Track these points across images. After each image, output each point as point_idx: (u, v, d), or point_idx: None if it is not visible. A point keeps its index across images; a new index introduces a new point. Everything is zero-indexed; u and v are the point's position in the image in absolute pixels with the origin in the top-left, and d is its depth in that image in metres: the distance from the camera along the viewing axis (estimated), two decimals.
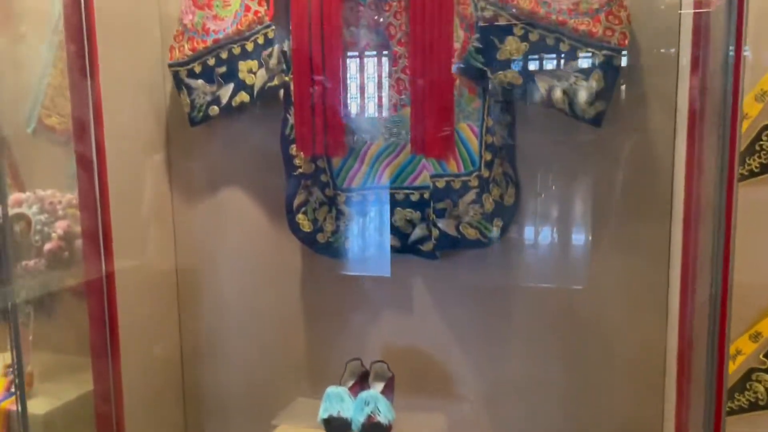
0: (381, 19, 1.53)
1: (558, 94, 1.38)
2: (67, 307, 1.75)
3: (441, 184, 1.49)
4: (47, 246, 1.65)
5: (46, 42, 1.77)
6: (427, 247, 1.56)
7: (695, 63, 1.23)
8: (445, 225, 1.49)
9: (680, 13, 1.36)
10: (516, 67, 1.41)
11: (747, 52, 1.12)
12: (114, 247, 1.59)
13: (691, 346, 1.26)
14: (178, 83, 1.64)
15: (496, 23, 1.40)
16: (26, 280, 1.61)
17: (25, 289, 1.63)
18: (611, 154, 1.45)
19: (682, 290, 1.28)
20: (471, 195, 1.47)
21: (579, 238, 1.51)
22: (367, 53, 1.55)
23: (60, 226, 1.67)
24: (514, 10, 1.39)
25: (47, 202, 1.69)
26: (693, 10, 1.27)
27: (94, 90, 1.45)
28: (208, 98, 1.63)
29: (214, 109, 1.63)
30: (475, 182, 1.47)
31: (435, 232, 1.50)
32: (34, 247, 1.67)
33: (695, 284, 1.24)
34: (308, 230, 1.63)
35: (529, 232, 1.54)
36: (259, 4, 1.56)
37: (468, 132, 1.47)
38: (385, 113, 1.56)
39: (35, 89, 1.78)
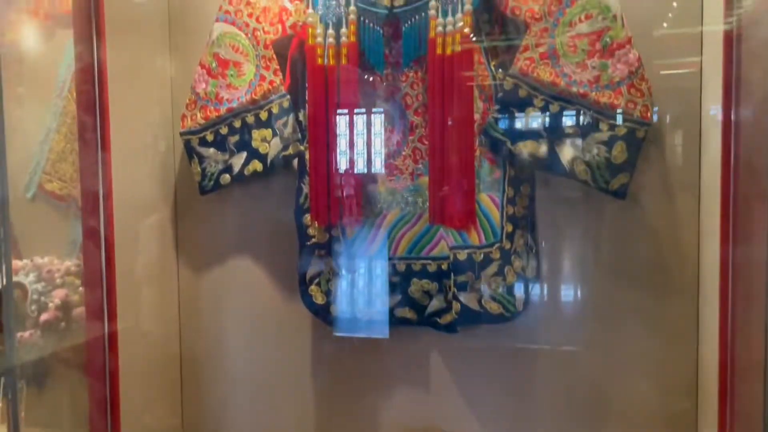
0: (397, 89, 1.52)
1: (581, 166, 1.36)
2: (62, 381, 1.67)
3: (462, 256, 1.45)
4: (43, 316, 1.58)
5: (51, 106, 1.74)
6: (444, 319, 1.50)
7: (726, 128, 1.22)
8: (466, 299, 1.44)
9: (701, 75, 1.36)
10: (537, 138, 1.39)
11: None
12: (118, 321, 1.52)
13: (734, 424, 1.20)
14: (190, 152, 1.61)
15: (516, 95, 1.40)
16: (20, 352, 1.54)
17: (19, 362, 1.55)
18: (635, 224, 1.43)
19: (721, 367, 1.23)
20: (493, 267, 1.43)
21: (602, 311, 1.47)
22: (383, 123, 1.54)
23: (57, 296, 1.61)
24: (533, 82, 1.38)
25: (45, 270, 1.64)
26: (721, 71, 1.26)
27: (105, 161, 1.41)
28: (220, 167, 1.60)
29: (226, 178, 1.60)
30: (497, 254, 1.43)
31: (456, 307, 1.45)
32: (29, 318, 1.61)
33: (735, 360, 1.20)
34: (321, 302, 1.58)
35: (550, 304, 1.49)
36: (275, 74, 1.55)
37: (489, 203, 1.44)
38: (401, 182, 1.54)
39: (37, 154, 1.75)
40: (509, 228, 1.44)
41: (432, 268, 1.51)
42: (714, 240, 1.26)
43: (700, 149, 1.38)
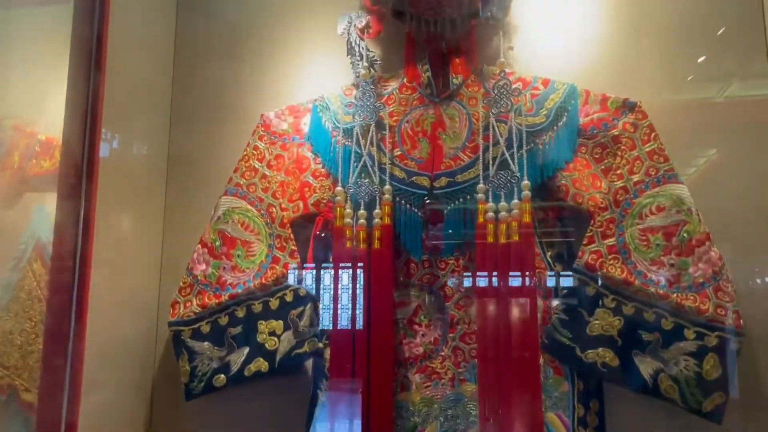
0: (436, 278, 1.31)
1: (667, 381, 1.14)
2: None
3: None
4: None
5: (3, 279, 1.48)
6: None
7: None
8: None
9: None
10: (611, 345, 1.18)
11: None
12: None
13: None
14: (179, 346, 1.32)
15: (583, 293, 1.21)
16: None
17: None
18: None
19: None
20: None
21: None
22: (419, 318, 1.30)
23: None
24: (603, 280, 1.20)
25: None
26: None
27: (74, 383, 1.08)
28: (214, 365, 1.31)
29: (220, 379, 1.30)
30: None
31: None
32: None
33: None
34: None
35: None
36: (291, 256, 1.33)
37: (558, 424, 1.19)
38: (439, 390, 1.27)
39: None
40: None
41: None
42: None
43: None
